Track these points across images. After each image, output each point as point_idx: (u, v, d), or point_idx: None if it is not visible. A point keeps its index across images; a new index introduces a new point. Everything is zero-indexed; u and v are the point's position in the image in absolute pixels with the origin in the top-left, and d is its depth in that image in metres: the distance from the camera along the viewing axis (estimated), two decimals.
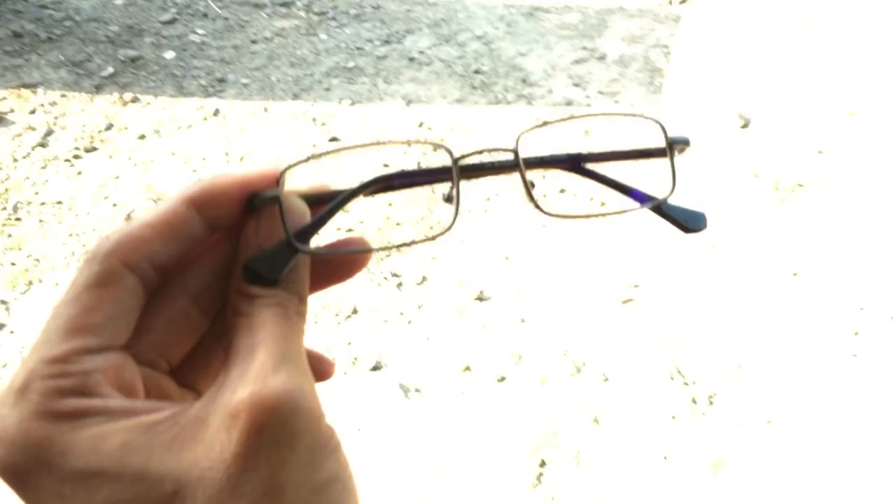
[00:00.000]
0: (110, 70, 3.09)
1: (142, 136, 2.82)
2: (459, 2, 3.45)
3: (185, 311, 0.35)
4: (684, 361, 2.11)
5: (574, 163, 0.42)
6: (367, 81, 3.03)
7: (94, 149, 2.77)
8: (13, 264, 2.31)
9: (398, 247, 0.40)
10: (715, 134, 2.80)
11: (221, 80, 3.06)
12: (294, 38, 3.28)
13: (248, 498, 0.28)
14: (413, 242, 0.40)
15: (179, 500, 0.28)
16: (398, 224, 2.49)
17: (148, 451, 0.29)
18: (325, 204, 0.36)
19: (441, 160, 0.37)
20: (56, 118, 2.86)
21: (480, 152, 0.38)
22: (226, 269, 0.35)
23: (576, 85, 3.01)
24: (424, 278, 2.34)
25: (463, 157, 0.37)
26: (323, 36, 3.29)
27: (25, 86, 3.00)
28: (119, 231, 0.33)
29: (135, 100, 2.96)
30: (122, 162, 2.71)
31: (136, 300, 0.33)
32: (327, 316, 2.24)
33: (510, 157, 0.38)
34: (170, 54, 3.19)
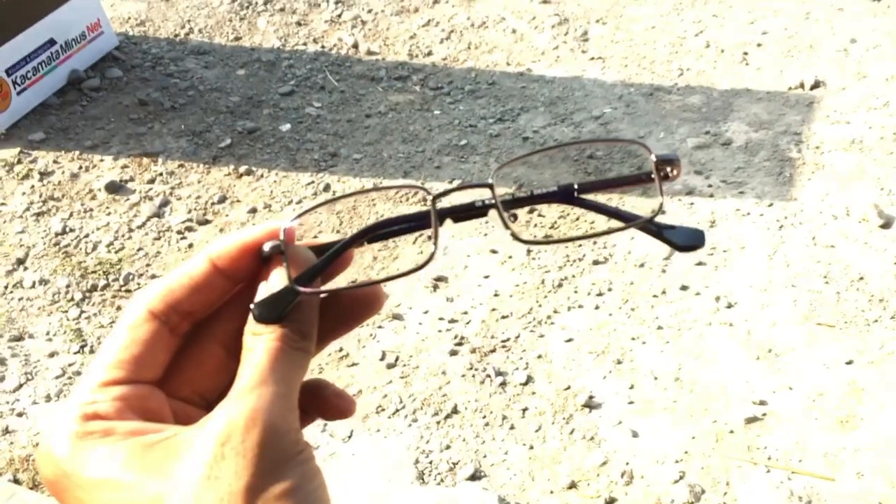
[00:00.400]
0: (228, 141, 3.14)
1: (252, 210, 2.83)
2: (577, 80, 3.36)
3: (213, 352, 0.41)
4: (819, 497, 1.89)
5: (566, 195, 0.43)
6: (478, 161, 2.96)
7: (207, 221, 2.80)
8: None
9: (384, 280, 0.42)
10: (852, 232, 2.57)
11: (334, 155, 3.06)
12: (408, 114, 3.26)
13: (210, 502, 0.33)
14: (402, 274, 0.41)
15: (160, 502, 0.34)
16: (504, 317, 2.38)
17: (142, 464, 0.35)
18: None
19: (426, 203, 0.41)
20: (173, 188, 2.91)
21: (459, 189, 0.42)
22: (247, 314, 0.40)
23: (698, 172, 2.85)
24: (530, 378, 2.22)
25: (439, 195, 0.40)
26: (436, 112, 3.26)
27: (147, 154, 3.08)
28: (152, 284, 0.40)
29: (249, 172, 3.00)
30: None
31: (160, 341, 0.39)
32: (426, 415, 2.14)
33: (488, 193, 0.41)
34: (285, 126, 3.22)
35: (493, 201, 0.41)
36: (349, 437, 2.10)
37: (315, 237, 0.43)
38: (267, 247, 0.40)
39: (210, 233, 2.76)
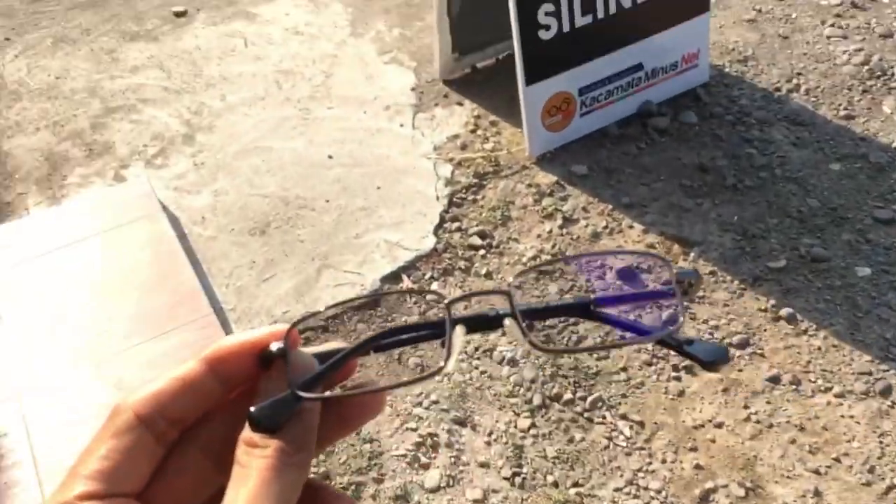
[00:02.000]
0: (782, 262, 2.46)
1: (773, 379, 2.16)
2: None
3: (199, 462, 0.38)
4: None
5: (583, 309, 0.42)
6: None
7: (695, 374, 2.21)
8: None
9: (390, 388, 0.39)
10: None
11: None
12: None
13: None
14: (407, 382, 0.40)
15: None
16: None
17: None
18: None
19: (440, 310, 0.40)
20: (686, 306, 2.37)
21: (475, 294, 0.43)
22: (240, 424, 0.37)
23: None
24: None
25: (453, 301, 0.39)
26: None
27: (681, 241, 2.56)
28: (141, 388, 0.37)
29: (791, 319, 2.30)
30: (732, 410, 2.11)
31: (146, 450, 0.36)
32: None
33: (506, 302, 0.40)
34: (864, 270, 2.41)
35: (509, 311, 0.40)
36: None
37: (315, 341, 0.52)
38: (273, 348, 0.39)
39: (709, 386, 2.17)
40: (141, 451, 0.36)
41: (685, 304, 0.40)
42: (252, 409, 0.36)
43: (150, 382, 0.38)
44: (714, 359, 0.40)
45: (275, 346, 0.39)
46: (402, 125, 3.15)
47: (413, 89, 3.34)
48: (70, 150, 3.09)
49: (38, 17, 3.90)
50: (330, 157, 3.02)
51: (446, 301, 0.38)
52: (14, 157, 3.07)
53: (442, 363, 0.37)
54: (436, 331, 0.40)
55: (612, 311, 0.42)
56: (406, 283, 2.46)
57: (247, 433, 0.36)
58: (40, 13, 3.93)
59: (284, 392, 0.37)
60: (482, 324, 0.40)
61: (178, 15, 3.88)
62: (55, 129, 3.19)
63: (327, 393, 0.39)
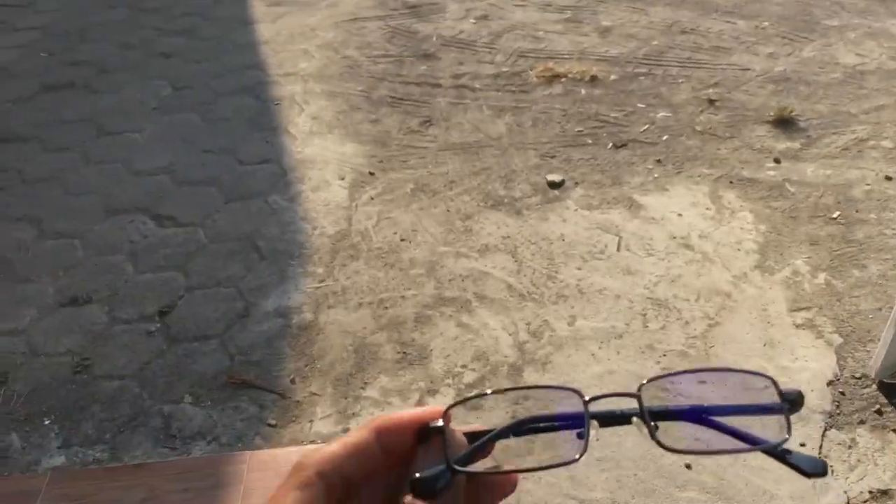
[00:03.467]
0: None
1: None
2: None
3: None
4: None
5: (697, 415, 0.45)
6: None
7: None
8: None
9: (532, 470, 0.43)
10: None
11: None
12: None
13: None
14: (546, 467, 0.43)
15: None
16: None
17: None
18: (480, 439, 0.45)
19: (574, 405, 0.44)
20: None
21: (609, 396, 0.45)
22: (396, 487, 0.43)
23: None
24: None
25: (592, 399, 0.44)
26: None
27: None
28: (320, 447, 0.43)
29: None
30: None
31: (321, 502, 0.41)
32: None
33: (634, 403, 0.44)
34: None
35: (636, 411, 0.44)
36: None
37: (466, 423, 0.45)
38: (433, 424, 0.43)
39: None
40: (320, 503, 0.41)
41: (790, 420, 0.43)
42: (417, 475, 0.41)
43: (325, 445, 0.43)
44: (816, 471, 0.42)
45: (434, 423, 0.44)
46: (802, 445, 2.19)
47: (830, 383, 2.36)
48: (383, 347, 2.62)
49: (408, 153, 3.59)
50: (688, 466, 2.17)
51: (587, 399, 0.43)
52: (325, 336, 2.68)
53: (577, 455, 0.42)
54: (573, 422, 0.44)
55: (722, 419, 0.45)
56: None
57: (409, 497, 0.41)
58: (412, 148, 3.62)
59: (442, 464, 0.42)
60: (613, 420, 0.44)
61: (553, 186, 3.30)
62: (377, 311, 2.76)
63: (479, 469, 0.43)
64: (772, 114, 3.49)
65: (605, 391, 0.46)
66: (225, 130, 3.80)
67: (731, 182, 3.20)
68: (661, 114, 3.66)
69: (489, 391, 0.48)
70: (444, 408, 0.44)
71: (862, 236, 2.87)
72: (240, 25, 4.83)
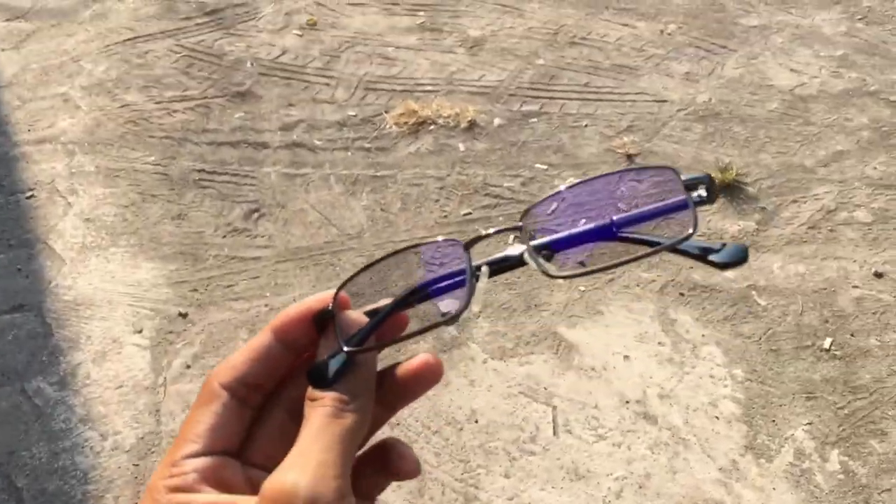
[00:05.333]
0: None
1: None
2: None
3: (282, 421, 0.43)
4: None
5: (606, 233, 0.42)
6: None
7: None
8: None
9: (414, 335, 0.42)
10: None
11: None
12: None
13: None
14: (426, 328, 0.42)
15: None
16: None
17: None
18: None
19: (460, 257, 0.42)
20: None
21: (489, 236, 0.43)
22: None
23: None
24: None
25: (471, 242, 0.42)
26: None
27: None
28: (221, 361, 0.43)
29: None
30: None
31: (233, 413, 0.42)
32: None
33: (520, 237, 0.42)
34: None
35: (524, 250, 0.41)
36: None
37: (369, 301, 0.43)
38: (321, 313, 0.42)
39: None
40: (229, 414, 0.41)
41: (697, 213, 0.39)
42: (309, 368, 0.41)
43: (229, 356, 0.43)
44: (731, 260, 0.40)
45: (321, 312, 0.42)
46: None
47: None
48: None
49: (233, 272, 2.51)
50: None
51: (464, 243, 0.41)
52: None
53: (462, 305, 0.40)
54: (463, 278, 0.41)
55: (631, 230, 0.41)
56: None
57: (309, 390, 0.41)
58: (238, 262, 2.54)
59: (336, 349, 0.41)
60: (502, 264, 0.42)
61: (447, 320, 2.35)
62: None
63: (367, 345, 0.41)
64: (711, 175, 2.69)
65: None
66: None
67: (681, 294, 2.39)
68: (570, 178, 2.76)
69: (372, 262, 0.43)
70: (333, 292, 0.43)
71: (869, 378, 2.16)
72: None
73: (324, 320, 0.42)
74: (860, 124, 2.89)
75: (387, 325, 0.42)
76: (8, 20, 3.61)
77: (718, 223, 2.58)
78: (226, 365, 0.42)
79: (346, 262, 2.54)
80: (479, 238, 0.42)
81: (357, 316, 0.42)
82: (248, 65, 3.34)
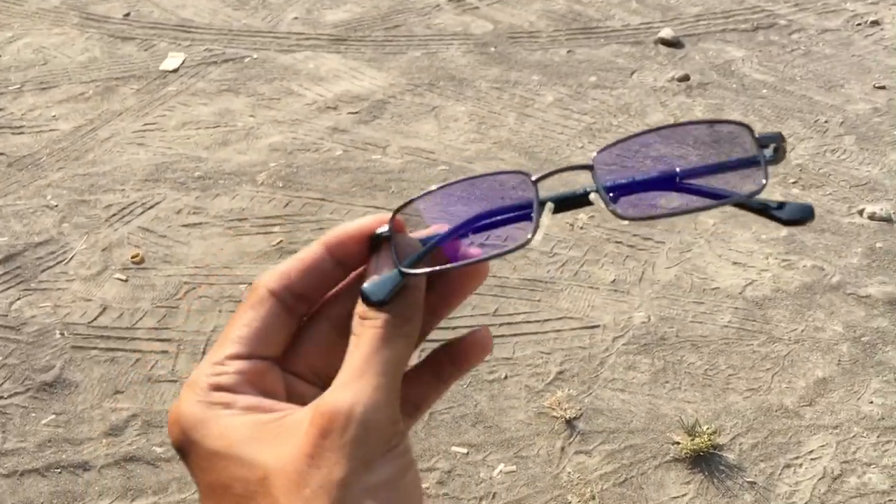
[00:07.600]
0: None
1: None
2: None
3: (327, 334, 0.42)
4: None
5: (669, 181, 0.41)
6: None
7: None
8: None
9: (481, 260, 0.40)
10: None
11: None
12: None
13: (310, 489, 0.35)
14: (494, 256, 0.41)
15: (267, 484, 0.36)
16: None
17: (256, 443, 0.37)
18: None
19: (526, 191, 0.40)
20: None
21: (558, 171, 0.42)
22: (357, 299, 0.41)
23: None
24: None
25: (541, 178, 0.40)
26: None
27: None
28: (272, 268, 0.42)
29: None
30: None
31: (279, 319, 0.41)
32: None
33: (590, 177, 0.40)
34: None
35: (594, 188, 0.41)
36: None
37: (428, 226, 0.42)
38: (381, 231, 0.42)
39: None
40: (275, 321, 0.41)
41: (769, 169, 0.38)
42: (364, 285, 0.40)
43: (278, 265, 0.42)
44: (796, 217, 0.39)
45: (382, 230, 0.41)
46: None
47: None
48: None
49: None
50: None
51: (534, 178, 0.40)
52: None
53: (530, 236, 0.39)
54: (527, 211, 0.41)
55: (697, 181, 0.41)
56: None
57: (360, 307, 0.40)
58: None
59: (392, 270, 0.40)
60: (569, 201, 0.41)
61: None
62: None
63: (426, 269, 0.40)
64: (681, 447, 2.07)
65: None
66: None
67: None
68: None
69: (434, 187, 0.42)
70: (390, 214, 0.42)
71: None
72: None
73: (378, 241, 0.42)
74: (834, 335, 2.36)
75: (443, 251, 0.42)
76: None
77: None
78: (275, 272, 0.42)
79: None
80: (552, 173, 0.41)
81: (413, 239, 0.42)
82: (57, 335, 2.54)
